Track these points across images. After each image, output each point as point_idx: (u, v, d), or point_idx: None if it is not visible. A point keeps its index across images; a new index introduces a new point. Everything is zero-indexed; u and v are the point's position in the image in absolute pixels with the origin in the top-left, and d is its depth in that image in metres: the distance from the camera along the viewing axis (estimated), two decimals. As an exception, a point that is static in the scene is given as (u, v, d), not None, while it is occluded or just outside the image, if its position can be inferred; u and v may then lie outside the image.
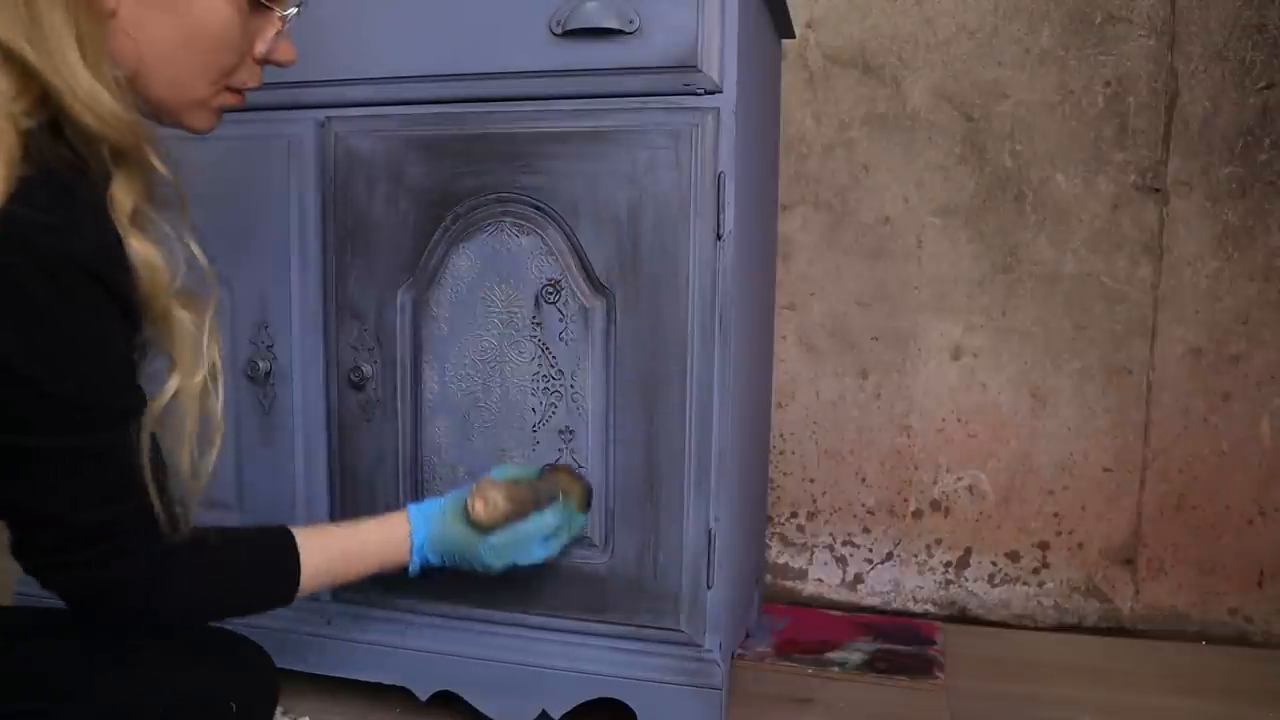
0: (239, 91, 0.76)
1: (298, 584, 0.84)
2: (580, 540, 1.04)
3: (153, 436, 0.69)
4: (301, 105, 1.09)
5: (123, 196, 0.65)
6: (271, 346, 1.13)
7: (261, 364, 1.13)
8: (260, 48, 0.74)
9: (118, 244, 0.64)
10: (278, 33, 0.75)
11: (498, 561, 0.95)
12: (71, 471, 0.65)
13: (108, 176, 0.65)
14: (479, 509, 0.93)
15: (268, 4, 0.72)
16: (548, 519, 0.96)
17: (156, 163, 0.67)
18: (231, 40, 0.71)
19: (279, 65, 0.77)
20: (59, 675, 0.73)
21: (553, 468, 1.02)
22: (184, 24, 0.68)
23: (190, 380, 0.70)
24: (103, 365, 0.65)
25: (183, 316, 0.69)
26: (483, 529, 0.94)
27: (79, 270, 0.61)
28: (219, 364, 0.73)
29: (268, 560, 0.84)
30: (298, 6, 0.75)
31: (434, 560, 0.95)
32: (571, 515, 0.99)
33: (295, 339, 1.12)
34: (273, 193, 1.11)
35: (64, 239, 0.60)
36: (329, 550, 0.88)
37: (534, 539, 0.96)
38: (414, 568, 0.94)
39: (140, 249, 0.65)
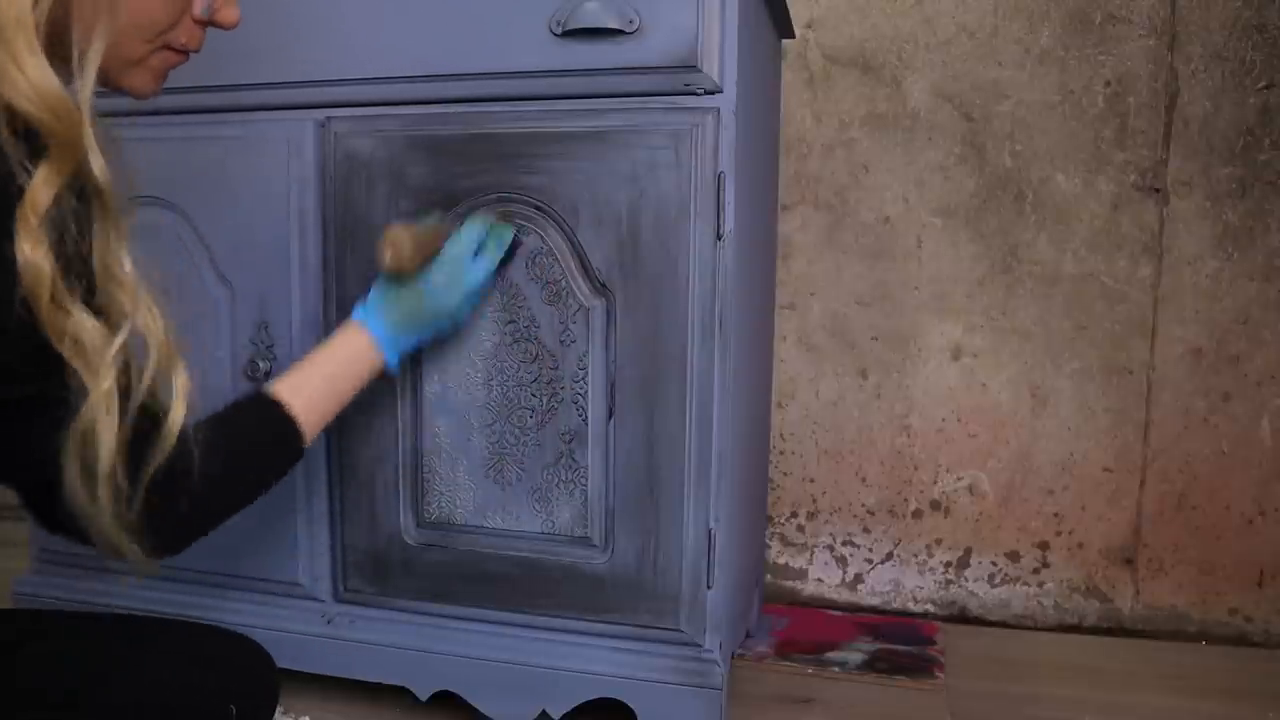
0: (181, 51, 0.72)
1: (302, 436, 0.85)
2: (581, 539, 1.05)
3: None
4: (301, 105, 1.09)
5: (42, 187, 0.57)
6: (271, 347, 1.13)
7: (261, 364, 1.13)
8: (198, 8, 0.71)
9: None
10: None
11: (449, 299, 0.96)
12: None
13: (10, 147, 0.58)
14: (388, 256, 0.94)
15: None
16: (465, 234, 0.98)
17: (94, 158, 0.60)
18: None
19: (221, 27, 0.74)
20: (58, 679, 0.73)
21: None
22: None
23: (92, 394, 0.61)
24: None
25: (86, 324, 0.60)
26: (404, 273, 0.95)
27: None
28: (119, 388, 0.62)
29: (264, 430, 0.83)
30: None
31: (405, 343, 0.96)
32: (492, 226, 1.00)
33: (295, 339, 1.12)
34: (273, 193, 1.11)
35: None
36: (315, 387, 0.88)
37: (465, 258, 0.97)
38: (392, 361, 0.95)
39: (30, 252, 0.57)
